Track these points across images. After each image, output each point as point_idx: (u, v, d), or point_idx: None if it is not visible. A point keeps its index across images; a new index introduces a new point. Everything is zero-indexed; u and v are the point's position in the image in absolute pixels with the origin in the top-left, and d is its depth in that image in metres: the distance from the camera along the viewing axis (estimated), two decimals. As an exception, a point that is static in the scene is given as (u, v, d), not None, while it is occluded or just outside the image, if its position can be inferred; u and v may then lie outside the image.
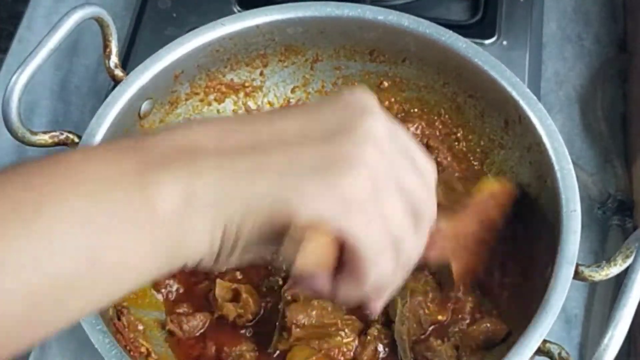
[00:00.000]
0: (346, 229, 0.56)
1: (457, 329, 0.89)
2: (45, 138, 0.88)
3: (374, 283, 0.60)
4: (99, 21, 0.90)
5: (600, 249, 1.06)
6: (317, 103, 0.62)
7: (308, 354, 0.87)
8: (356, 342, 0.88)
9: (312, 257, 0.56)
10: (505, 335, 0.87)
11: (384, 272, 0.59)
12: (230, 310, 0.91)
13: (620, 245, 0.77)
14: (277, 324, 0.89)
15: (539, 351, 0.77)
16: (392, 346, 0.88)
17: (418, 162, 0.62)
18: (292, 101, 1.04)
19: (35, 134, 0.88)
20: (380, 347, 0.88)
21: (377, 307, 0.65)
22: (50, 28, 0.86)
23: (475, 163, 0.99)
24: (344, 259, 0.58)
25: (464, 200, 0.88)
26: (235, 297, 0.92)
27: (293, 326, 0.86)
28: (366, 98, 0.61)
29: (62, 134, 0.89)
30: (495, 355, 0.86)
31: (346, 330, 0.88)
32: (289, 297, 0.89)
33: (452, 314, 0.91)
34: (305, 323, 0.87)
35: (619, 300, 0.71)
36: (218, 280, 0.92)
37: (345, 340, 0.87)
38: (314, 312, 0.87)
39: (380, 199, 0.57)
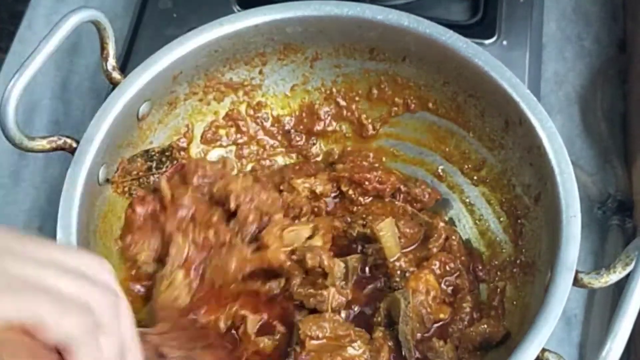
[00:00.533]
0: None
1: (456, 329, 0.90)
2: (43, 143, 0.88)
3: None
4: (96, 24, 0.89)
5: (600, 249, 1.06)
6: None
7: None
8: (367, 354, 0.88)
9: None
10: (503, 336, 0.87)
11: (82, 325, 0.58)
12: (268, 345, 0.90)
13: (619, 245, 0.77)
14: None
15: (538, 360, 0.77)
16: (396, 346, 0.88)
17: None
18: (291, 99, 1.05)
19: (33, 139, 0.87)
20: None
21: None
22: (47, 32, 0.86)
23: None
24: None
25: None
26: (265, 330, 0.91)
27: (307, 338, 0.86)
28: None
29: (60, 139, 0.88)
30: (494, 359, 0.86)
31: (359, 342, 0.88)
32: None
33: (453, 314, 0.91)
34: (320, 335, 0.87)
35: (618, 309, 0.70)
36: (249, 317, 0.91)
37: (357, 353, 0.87)
38: (327, 324, 0.87)
39: (18, 272, 0.58)
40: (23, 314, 0.56)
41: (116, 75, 0.92)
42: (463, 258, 0.95)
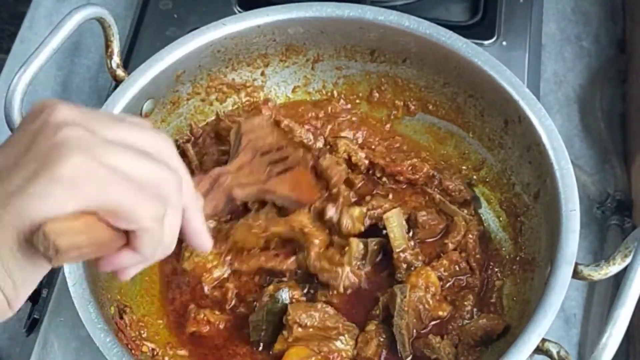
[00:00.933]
0: (85, 203, 0.56)
1: (455, 326, 0.90)
2: (47, 137, 0.88)
3: (155, 225, 0.59)
4: (101, 21, 0.90)
5: (599, 248, 1.06)
6: (10, 136, 0.61)
7: (306, 354, 0.87)
8: (354, 349, 0.88)
9: (75, 240, 0.56)
10: (503, 330, 0.88)
11: (153, 212, 0.59)
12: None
13: (619, 244, 0.78)
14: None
15: (538, 350, 0.77)
16: (389, 342, 0.89)
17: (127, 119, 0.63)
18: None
19: (38, 133, 0.87)
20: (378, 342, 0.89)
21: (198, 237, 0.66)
22: (53, 28, 0.86)
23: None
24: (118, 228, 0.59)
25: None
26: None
27: (295, 325, 0.87)
28: (44, 102, 0.60)
29: (64, 132, 0.89)
30: (494, 352, 0.87)
31: (346, 336, 0.88)
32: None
33: (453, 311, 0.91)
34: (307, 323, 0.87)
35: (617, 299, 0.71)
36: None
37: (344, 347, 0.88)
38: (316, 314, 0.88)
39: (104, 161, 0.57)
40: (103, 203, 0.56)
41: (120, 72, 0.93)
42: (478, 256, 0.94)
